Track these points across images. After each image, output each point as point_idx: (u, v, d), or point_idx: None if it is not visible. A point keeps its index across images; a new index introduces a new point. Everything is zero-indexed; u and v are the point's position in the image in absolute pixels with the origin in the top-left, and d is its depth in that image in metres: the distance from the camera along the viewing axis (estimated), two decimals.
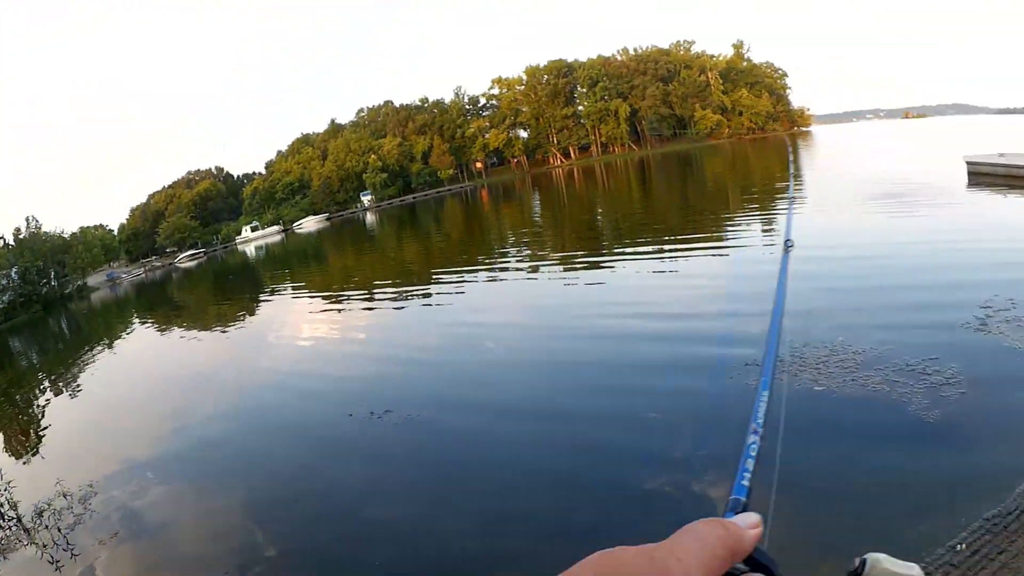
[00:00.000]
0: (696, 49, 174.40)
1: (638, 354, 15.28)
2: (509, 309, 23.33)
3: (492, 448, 12.27)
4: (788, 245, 3.29)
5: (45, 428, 24.93)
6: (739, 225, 30.62)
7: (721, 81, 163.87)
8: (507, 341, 19.28)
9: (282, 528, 11.22)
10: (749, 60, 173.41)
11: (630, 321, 18.04)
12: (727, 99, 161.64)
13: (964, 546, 6.77)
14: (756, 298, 17.43)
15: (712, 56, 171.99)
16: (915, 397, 10.38)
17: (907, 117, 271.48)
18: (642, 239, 31.05)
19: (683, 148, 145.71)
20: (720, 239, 27.90)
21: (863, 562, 1.16)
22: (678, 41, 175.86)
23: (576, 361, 15.87)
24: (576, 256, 31.12)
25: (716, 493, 9.22)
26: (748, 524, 0.89)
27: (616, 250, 29.96)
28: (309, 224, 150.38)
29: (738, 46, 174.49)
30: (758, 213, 33.70)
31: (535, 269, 29.78)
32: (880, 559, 1.14)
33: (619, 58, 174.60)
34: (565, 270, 28.00)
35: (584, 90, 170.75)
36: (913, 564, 1.14)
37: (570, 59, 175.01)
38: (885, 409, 10.29)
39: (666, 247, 28.15)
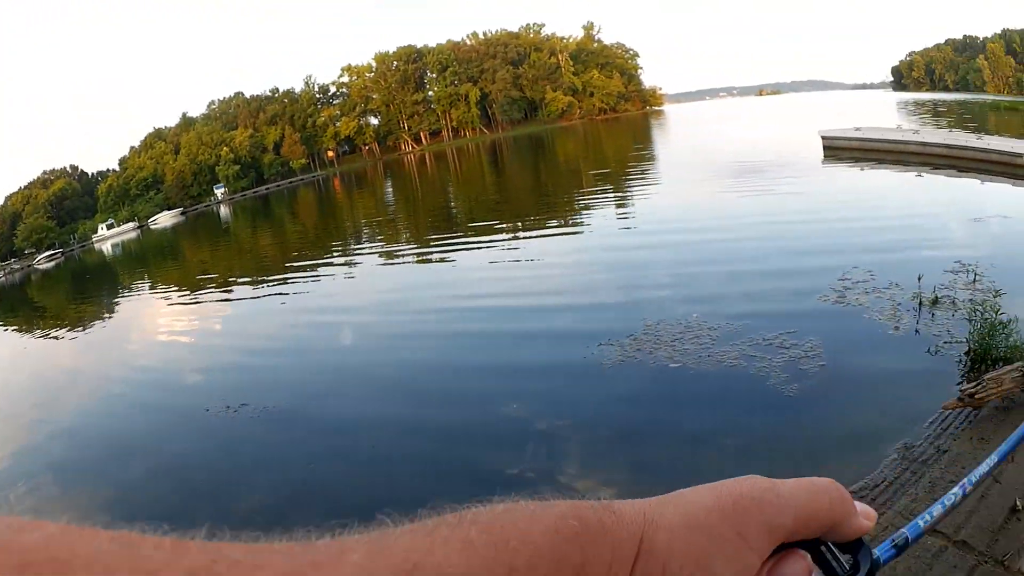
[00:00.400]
0: (546, 32, 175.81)
1: (490, 346, 15.23)
2: (363, 300, 23.11)
3: (347, 436, 12.19)
4: None
5: None
6: (591, 205, 30.79)
7: (572, 63, 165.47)
8: (361, 335, 19.08)
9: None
10: (600, 41, 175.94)
11: (481, 312, 18.01)
12: (578, 80, 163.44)
13: None
14: (608, 284, 17.93)
15: (563, 38, 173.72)
16: (774, 371, 10.35)
17: (762, 94, 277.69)
18: (496, 223, 31.00)
19: (535, 130, 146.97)
20: (572, 221, 28.09)
21: None
22: (528, 24, 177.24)
23: (427, 358, 15.54)
24: (430, 243, 30.94)
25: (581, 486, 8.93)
26: (863, 512, 0.80)
27: (471, 236, 29.33)
28: (164, 219, 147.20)
29: (588, 28, 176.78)
30: (611, 192, 33.84)
31: (389, 258, 29.70)
32: None
33: (469, 43, 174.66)
34: (419, 260, 27.84)
35: (434, 75, 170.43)
36: None
37: (420, 45, 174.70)
38: (743, 384, 10.33)
39: (520, 232, 28.15)
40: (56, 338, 34.83)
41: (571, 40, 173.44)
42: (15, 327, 44.13)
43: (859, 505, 0.83)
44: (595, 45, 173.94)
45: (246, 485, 11.14)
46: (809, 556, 0.77)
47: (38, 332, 39.11)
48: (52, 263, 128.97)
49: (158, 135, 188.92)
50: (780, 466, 8.38)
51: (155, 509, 10.89)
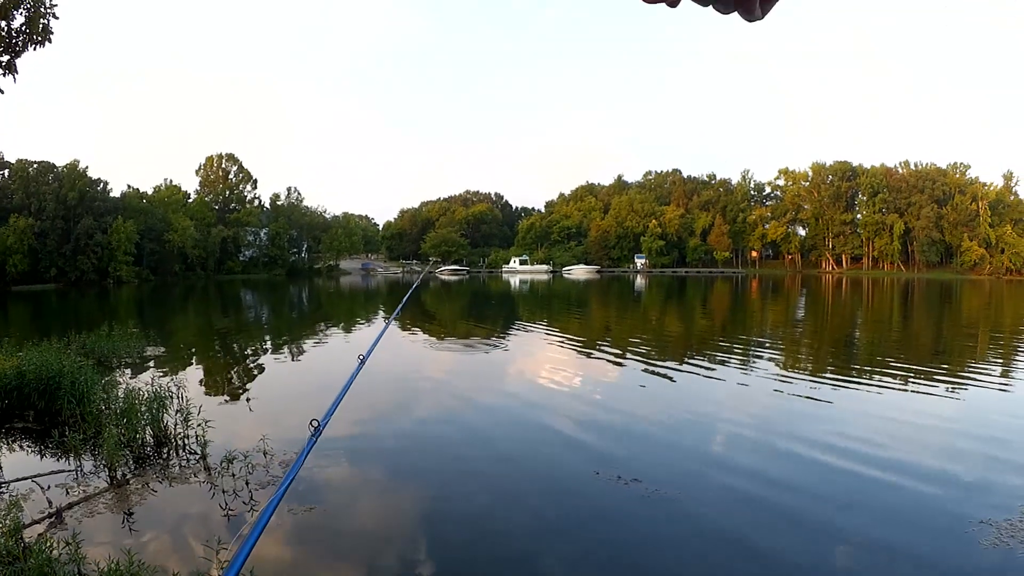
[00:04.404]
0: (970, 174, 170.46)
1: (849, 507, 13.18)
2: (736, 411, 22.18)
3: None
4: None
5: (258, 384, 26.84)
6: (978, 373, 28.38)
7: (989, 213, 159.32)
8: (723, 444, 18.57)
9: (450, 546, 11.50)
10: (1016, 195, 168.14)
11: (850, 460, 16.23)
12: (992, 233, 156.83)
13: None
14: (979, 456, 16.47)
15: (984, 184, 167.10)
16: None
17: None
18: (884, 377, 28.26)
19: (946, 278, 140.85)
20: (957, 387, 25.89)
21: None
22: (955, 163, 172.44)
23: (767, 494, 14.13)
24: (823, 374, 29.29)
25: None
26: None
27: (863, 377, 28.06)
28: (579, 272, 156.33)
29: (1008, 177, 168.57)
30: (999, 365, 30.96)
31: (781, 376, 28.30)
32: None
33: (900, 171, 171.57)
34: (812, 387, 26.09)
35: (864, 198, 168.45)
36: None
37: (854, 162, 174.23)
38: None
39: (908, 386, 26.11)
40: (440, 346, 39.55)
41: (991, 188, 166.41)
42: (403, 325, 48.38)
43: None
44: (1011, 198, 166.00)
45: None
46: None
47: (426, 337, 43.87)
48: (455, 277, 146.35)
49: (590, 190, 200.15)
50: None
51: (464, 544, 11.59)
